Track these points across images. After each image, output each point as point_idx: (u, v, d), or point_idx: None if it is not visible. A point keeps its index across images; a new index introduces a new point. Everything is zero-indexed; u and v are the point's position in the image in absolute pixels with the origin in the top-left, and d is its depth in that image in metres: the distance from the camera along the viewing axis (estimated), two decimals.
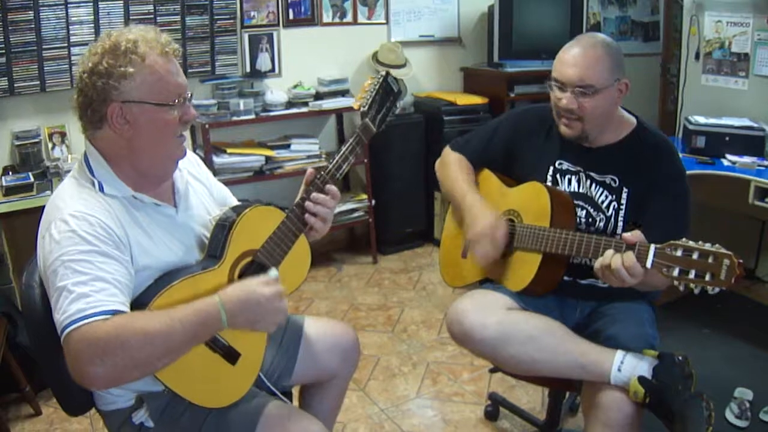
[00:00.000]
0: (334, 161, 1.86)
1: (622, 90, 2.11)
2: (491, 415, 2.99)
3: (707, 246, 1.65)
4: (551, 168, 2.25)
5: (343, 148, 1.86)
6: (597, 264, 1.87)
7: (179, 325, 1.46)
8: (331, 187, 1.85)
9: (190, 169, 1.92)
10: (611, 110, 2.13)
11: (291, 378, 2.05)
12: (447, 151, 2.51)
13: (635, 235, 1.80)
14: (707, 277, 1.63)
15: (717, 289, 1.63)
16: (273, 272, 1.69)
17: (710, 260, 1.63)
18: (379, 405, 3.12)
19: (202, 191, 1.92)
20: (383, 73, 1.98)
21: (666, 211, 2.06)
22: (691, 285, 1.66)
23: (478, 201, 2.27)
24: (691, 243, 1.67)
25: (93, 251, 1.49)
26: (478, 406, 3.07)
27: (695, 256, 1.65)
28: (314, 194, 1.83)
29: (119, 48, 1.56)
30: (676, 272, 1.67)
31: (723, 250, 1.62)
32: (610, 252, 1.83)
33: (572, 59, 2.07)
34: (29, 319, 1.71)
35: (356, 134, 1.89)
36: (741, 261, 1.60)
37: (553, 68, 2.15)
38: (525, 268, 2.14)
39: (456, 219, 2.46)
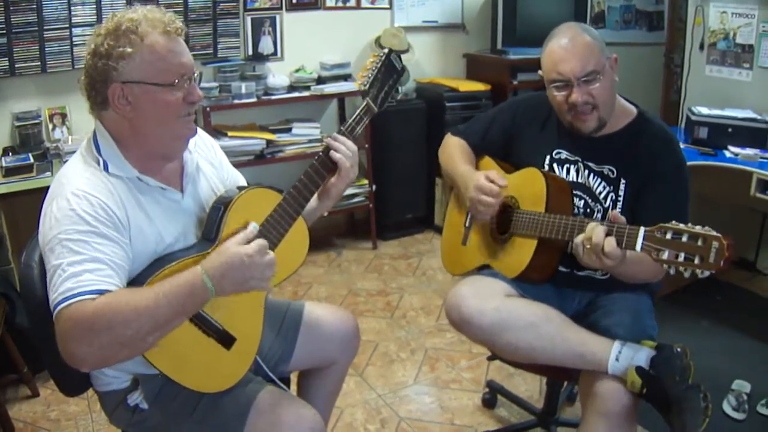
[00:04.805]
0: (348, 123, 1.87)
1: (613, 66, 2.11)
2: (489, 402, 2.99)
3: (697, 228, 1.62)
4: (548, 157, 2.25)
5: (349, 120, 1.88)
6: (578, 238, 1.84)
7: (164, 299, 1.45)
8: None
9: (203, 151, 1.90)
10: (614, 88, 2.12)
11: (289, 364, 2.05)
12: (448, 136, 2.52)
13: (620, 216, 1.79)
14: (696, 261, 1.60)
15: (707, 273, 1.60)
16: (253, 226, 1.65)
17: (699, 243, 1.59)
18: (376, 391, 3.13)
19: (212, 175, 1.89)
20: (386, 50, 1.96)
21: (665, 201, 2.05)
22: (681, 269, 1.63)
23: (470, 170, 2.29)
24: (681, 225, 1.64)
25: (91, 232, 1.49)
26: (476, 394, 3.07)
27: (684, 238, 1.62)
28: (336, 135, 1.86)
29: (120, 28, 1.54)
30: (665, 255, 1.65)
31: (712, 233, 1.59)
32: (593, 224, 1.80)
33: (566, 53, 2.05)
34: (27, 298, 1.71)
35: (357, 113, 1.89)
36: (731, 243, 1.56)
37: (545, 71, 2.13)
38: (520, 253, 2.14)
39: (457, 204, 2.46)
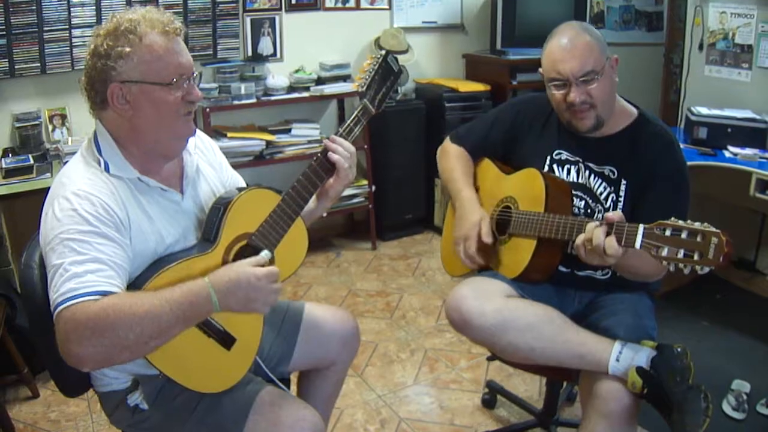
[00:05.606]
0: (345, 124, 1.88)
1: (613, 66, 2.11)
2: (488, 403, 2.99)
3: (696, 224, 1.61)
4: (549, 158, 2.25)
5: (347, 122, 1.89)
6: (579, 240, 1.84)
7: (168, 306, 1.45)
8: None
9: (203, 153, 1.91)
10: (614, 89, 2.12)
11: (289, 364, 2.05)
12: (447, 142, 2.51)
13: (617, 214, 1.79)
14: (695, 257, 1.60)
15: (706, 269, 1.59)
16: (265, 253, 1.66)
17: (698, 239, 1.59)
18: (376, 391, 3.13)
19: (212, 177, 1.90)
20: (383, 52, 1.97)
21: (665, 203, 2.04)
22: (680, 265, 1.63)
23: (469, 199, 2.30)
24: (680, 222, 1.64)
25: (93, 232, 1.49)
26: (476, 394, 3.07)
27: (684, 235, 1.62)
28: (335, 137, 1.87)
29: (119, 29, 1.55)
30: (665, 252, 1.65)
31: (711, 229, 1.59)
32: (592, 225, 1.81)
33: (565, 53, 2.05)
34: (27, 299, 1.71)
35: (355, 115, 1.89)
36: (729, 240, 1.56)
37: (545, 69, 2.14)
38: (520, 254, 2.13)
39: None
